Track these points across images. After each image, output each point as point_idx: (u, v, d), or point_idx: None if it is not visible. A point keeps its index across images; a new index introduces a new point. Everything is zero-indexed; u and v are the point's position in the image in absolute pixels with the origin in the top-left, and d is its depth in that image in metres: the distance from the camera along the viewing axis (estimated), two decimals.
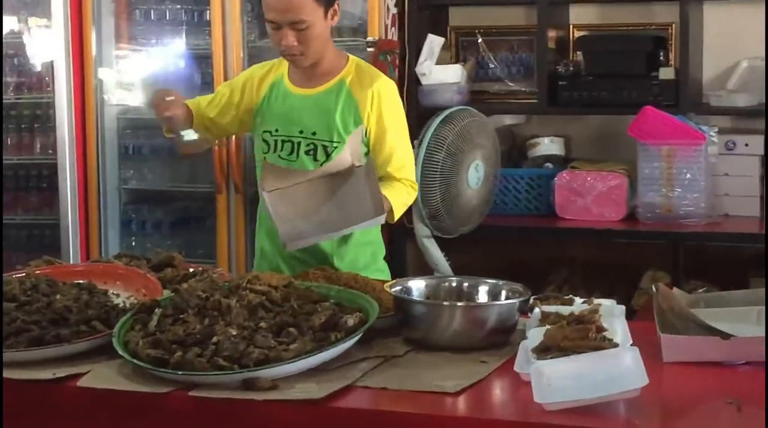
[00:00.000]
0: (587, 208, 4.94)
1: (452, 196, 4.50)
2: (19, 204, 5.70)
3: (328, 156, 3.37)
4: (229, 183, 5.23)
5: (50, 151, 5.48)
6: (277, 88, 3.48)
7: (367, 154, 3.35)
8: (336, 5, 3.37)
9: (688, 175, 4.75)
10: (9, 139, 5.64)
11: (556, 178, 4.98)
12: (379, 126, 3.39)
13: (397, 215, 3.36)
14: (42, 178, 5.62)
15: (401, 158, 3.43)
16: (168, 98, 3.38)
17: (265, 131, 3.48)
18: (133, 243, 5.55)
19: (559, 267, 5.15)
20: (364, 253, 3.48)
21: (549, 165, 5.16)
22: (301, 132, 3.41)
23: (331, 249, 3.39)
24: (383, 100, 3.41)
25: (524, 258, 5.14)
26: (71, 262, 4.93)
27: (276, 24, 3.30)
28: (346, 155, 3.19)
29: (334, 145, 3.37)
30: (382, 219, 3.14)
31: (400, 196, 3.38)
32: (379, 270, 3.50)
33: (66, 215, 5.40)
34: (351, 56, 3.51)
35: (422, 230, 4.64)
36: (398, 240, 4.81)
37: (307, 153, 3.40)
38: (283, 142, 3.43)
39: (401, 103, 3.53)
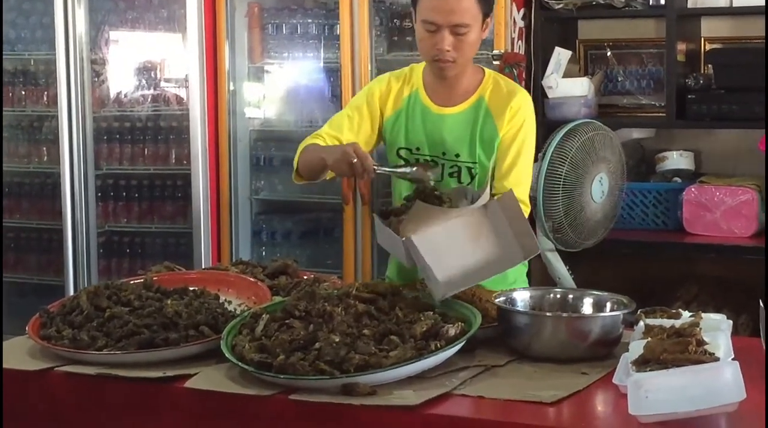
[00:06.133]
0: (716, 223, 4.86)
1: (575, 209, 4.46)
2: (155, 213, 5.85)
3: (472, 177, 3.29)
4: (356, 194, 5.25)
5: (185, 162, 5.60)
6: (414, 103, 3.36)
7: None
8: (490, 18, 3.24)
9: None
10: (146, 150, 5.80)
11: (684, 193, 4.91)
12: (508, 139, 3.30)
13: None
14: (177, 188, 5.76)
15: (518, 175, 3.30)
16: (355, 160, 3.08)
17: (402, 148, 3.37)
18: (263, 253, 5.65)
19: (687, 284, 5.07)
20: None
21: (677, 179, 5.09)
22: (443, 154, 3.32)
23: None
24: (518, 117, 3.30)
25: (651, 273, 5.08)
26: None
27: (435, 26, 3.15)
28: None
29: (476, 165, 3.30)
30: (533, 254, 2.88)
31: None
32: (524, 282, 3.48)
33: (198, 224, 5.52)
34: (486, 69, 3.39)
35: (545, 243, 4.58)
36: None
37: (450, 175, 3.31)
38: (426, 162, 3.31)
39: (534, 118, 3.39)
